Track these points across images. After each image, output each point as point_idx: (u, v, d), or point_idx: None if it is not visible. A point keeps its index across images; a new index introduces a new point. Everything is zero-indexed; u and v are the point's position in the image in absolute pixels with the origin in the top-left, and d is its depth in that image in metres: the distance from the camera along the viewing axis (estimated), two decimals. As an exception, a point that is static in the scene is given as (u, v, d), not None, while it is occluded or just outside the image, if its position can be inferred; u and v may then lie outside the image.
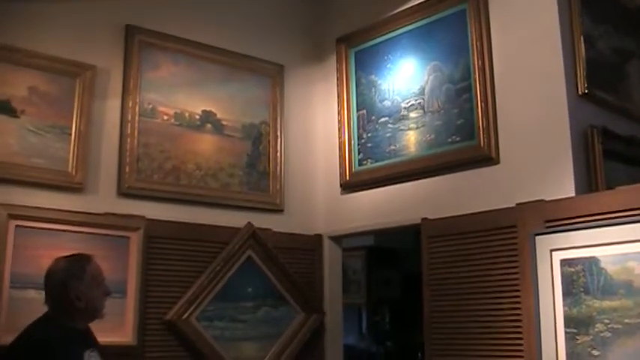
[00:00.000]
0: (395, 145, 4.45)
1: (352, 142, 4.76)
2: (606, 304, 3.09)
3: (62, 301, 2.86)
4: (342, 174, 4.79)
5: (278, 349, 4.50)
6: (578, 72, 3.72)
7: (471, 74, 4.03)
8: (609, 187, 3.53)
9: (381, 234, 5.75)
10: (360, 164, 4.69)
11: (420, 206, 4.22)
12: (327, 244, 4.93)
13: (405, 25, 4.50)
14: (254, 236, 4.50)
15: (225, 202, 4.51)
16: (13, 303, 3.47)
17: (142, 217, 4.06)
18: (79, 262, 2.97)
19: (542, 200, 3.51)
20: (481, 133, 3.92)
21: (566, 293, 3.24)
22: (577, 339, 3.16)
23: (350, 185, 4.75)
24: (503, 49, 3.94)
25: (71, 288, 2.85)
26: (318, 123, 5.13)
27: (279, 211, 4.79)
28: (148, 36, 4.33)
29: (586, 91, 3.70)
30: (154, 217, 4.11)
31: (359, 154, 4.70)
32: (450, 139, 4.12)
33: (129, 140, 4.15)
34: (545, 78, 3.72)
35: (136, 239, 4.00)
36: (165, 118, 4.34)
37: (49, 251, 3.08)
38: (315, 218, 4.97)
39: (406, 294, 8.01)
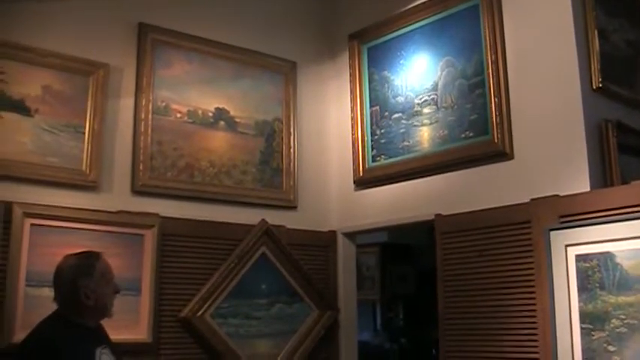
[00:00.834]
0: (408, 141, 4.44)
1: (365, 138, 4.75)
2: (622, 299, 3.07)
3: (71, 298, 2.84)
4: (355, 170, 4.79)
5: (292, 346, 4.51)
6: (593, 66, 3.70)
7: (484, 69, 4.01)
8: (624, 182, 3.50)
9: (394, 230, 5.74)
10: (373, 160, 4.68)
11: (434, 202, 4.21)
12: (341, 240, 4.93)
13: (418, 21, 4.49)
14: (268, 233, 4.51)
15: (238, 199, 4.51)
16: (28, 301, 3.49)
17: (156, 215, 4.07)
18: (88, 260, 2.95)
19: (556, 195, 3.49)
20: (495, 128, 3.91)
21: (582, 289, 3.22)
22: (593, 335, 3.15)
23: (363, 181, 4.74)
24: (517, 43, 3.92)
25: (80, 286, 2.83)
26: (331, 119, 5.13)
27: (293, 207, 4.79)
28: (160, 34, 4.34)
29: (600, 85, 3.68)
30: (167, 215, 4.12)
31: (372, 150, 4.70)
32: (463, 135, 4.11)
33: (142, 138, 4.16)
34: (559, 72, 3.70)
35: (150, 237, 4.01)
36: (179, 115, 4.35)
37: (64, 249, 3.09)
38: (328, 215, 4.97)
39: (420, 290, 8.02)
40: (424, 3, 4.45)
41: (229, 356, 4.22)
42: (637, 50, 4.17)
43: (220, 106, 4.54)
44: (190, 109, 4.40)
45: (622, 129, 3.67)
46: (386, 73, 4.69)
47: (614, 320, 3.08)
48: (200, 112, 4.45)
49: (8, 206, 3.57)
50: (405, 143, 4.46)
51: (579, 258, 3.25)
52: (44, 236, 3.64)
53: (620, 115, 3.75)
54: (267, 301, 4.48)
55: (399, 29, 4.61)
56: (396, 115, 4.56)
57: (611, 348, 3.07)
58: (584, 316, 3.19)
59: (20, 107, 3.74)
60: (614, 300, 3.10)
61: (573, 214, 3.37)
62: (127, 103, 4.17)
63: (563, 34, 3.70)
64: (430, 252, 4.27)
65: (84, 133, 3.93)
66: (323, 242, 4.88)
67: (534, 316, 3.49)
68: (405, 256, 8.35)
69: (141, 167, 4.13)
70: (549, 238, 3.38)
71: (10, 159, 3.66)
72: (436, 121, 4.28)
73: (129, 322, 3.78)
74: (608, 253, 3.15)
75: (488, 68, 3.99)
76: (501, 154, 3.87)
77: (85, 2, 4.10)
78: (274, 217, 4.60)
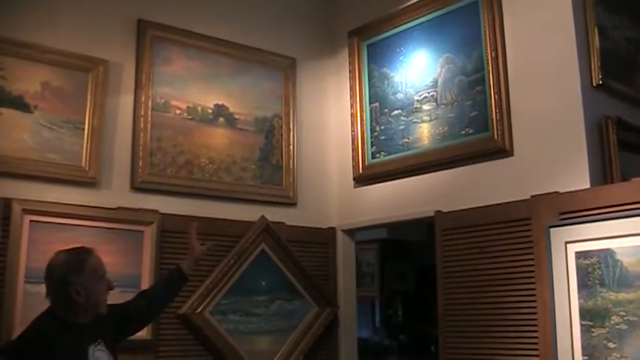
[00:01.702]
0: (408, 138, 4.44)
1: (365, 135, 4.75)
2: (622, 296, 3.07)
3: (62, 296, 2.77)
4: (355, 167, 4.79)
5: (292, 343, 4.51)
6: (593, 63, 3.70)
7: (484, 66, 4.01)
8: (624, 179, 3.50)
9: (394, 227, 5.75)
10: (373, 157, 4.68)
11: (434, 199, 4.21)
12: (340, 237, 4.93)
13: (417, 18, 4.48)
14: (267, 230, 4.51)
15: (238, 195, 4.51)
16: (27, 298, 3.50)
17: (156, 212, 4.07)
18: (78, 256, 2.86)
19: (556, 192, 3.49)
20: (495, 125, 3.90)
21: (582, 285, 3.22)
22: (593, 331, 3.15)
23: (363, 178, 4.74)
24: (517, 40, 3.92)
25: (70, 283, 2.75)
26: (330, 116, 5.12)
27: (293, 204, 4.79)
28: (160, 30, 4.34)
29: (600, 81, 3.67)
30: (167, 212, 4.12)
31: (372, 147, 4.69)
32: (463, 132, 4.10)
33: (142, 135, 4.16)
34: (559, 69, 3.69)
35: (149, 233, 4.01)
36: (178, 112, 4.35)
37: (63, 246, 3.06)
38: (328, 211, 4.97)
39: (420, 287, 8.03)
40: (424, 0, 4.44)
41: (229, 353, 4.22)
42: (637, 47, 4.16)
43: (220, 102, 4.54)
44: (190, 105, 4.40)
45: (622, 126, 3.67)
46: (386, 69, 4.68)
47: (614, 317, 3.08)
48: (200, 108, 4.44)
49: (7, 203, 3.57)
50: (405, 140, 4.46)
51: (579, 255, 3.25)
52: (43, 233, 3.64)
53: (621, 111, 3.75)
54: (267, 297, 4.48)
55: (399, 26, 4.61)
56: (396, 112, 4.55)
57: (611, 345, 3.07)
58: (584, 313, 3.19)
59: (19, 103, 3.74)
60: (614, 297, 3.10)
61: (573, 210, 3.37)
62: (126, 100, 4.17)
63: (564, 30, 3.69)
64: (430, 249, 4.27)
65: (83, 130, 3.93)
66: (322, 239, 4.88)
67: (534, 313, 3.49)
68: (405, 252, 8.36)
69: (140, 164, 4.12)
70: (549, 235, 3.38)
71: (10, 155, 3.66)
72: (436, 118, 4.28)
73: (128, 319, 3.78)
74: (608, 250, 3.15)
75: (488, 65, 3.98)
76: (501, 150, 3.87)
77: (85, -2, 4.12)
78: (274, 214, 4.59)
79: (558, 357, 3.24)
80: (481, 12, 4.07)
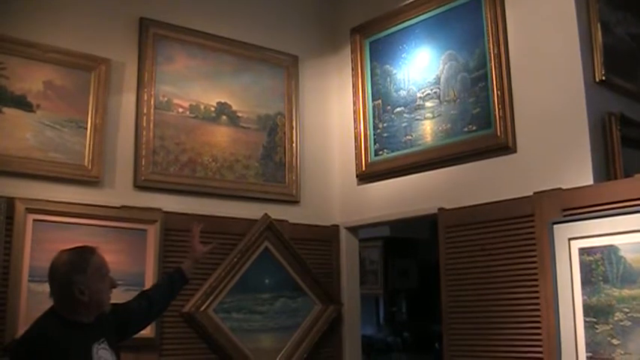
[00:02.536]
0: (411, 135, 4.44)
1: (368, 132, 4.75)
2: (626, 292, 3.07)
3: (65, 295, 2.77)
4: (358, 164, 4.78)
5: (296, 341, 4.51)
6: (596, 59, 3.69)
7: (487, 63, 4.01)
8: (627, 175, 3.49)
9: (397, 224, 5.73)
10: (376, 154, 4.68)
11: (437, 196, 4.20)
12: (343, 234, 4.93)
13: (420, 15, 4.48)
14: (270, 228, 4.51)
15: (241, 193, 4.52)
16: (31, 297, 3.51)
17: (159, 210, 4.07)
18: (81, 255, 2.85)
19: (559, 189, 3.48)
20: (497, 121, 3.90)
21: (585, 282, 3.22)
22: (596, 328, 3.14)
23: (366, 176, 4.74)
24: (519, 36, 3.91)
25: (74, 282, 2.74)
26: (333, 113, 5.12)
27: (296, 202, 4.79)
28: (162, 28, 4.34)
29: (603, 77, 3.66)
30: (170, 210, 4.13)
31: (375, 144, 4.69)
32: (466, 129, 4.10)
33: (144, 133, 4.16)
34: (562, 65, 3.68)
35: (153, 232, 4.01)
36: (181, 110, 4.35)
37: (66, 245, 3.06)
38: (331, 209, 4.97)
39: (423, 284, 8.03)
40: (426, -4, 4.45)
41: (233, 351, 4.22)
42: (640, 43, 4.16)
43: (222, 100, 4.54)
44: (192, 103, 4.40)
45: (625, 122, 3.66)
46: (388, 66, 4.68)
47: (617, 313, 3.07)
48: (202, 106, 4.44)
49: (11, 202, 3.57)
50: (408, 137, 4.45)
51: (583, 251, 3.25)
52: (47, 232, 3.65)
53: (624, 107, 3.74)
54: (271, 295, 4.48)
55: (401, 23, 4.60)
56: (399, 109, 4.55)
57: (615, 341, 3.07)
58: (587, 310, 3.19)
59: (22, 103, 3.74)
60: (617, 293, 3.09)
61: (576, 207, 3.37)
62: (128, 98, 4.17)
63: (566, 26, 3.69)
64: (433, 246, 4.27)
65: (86, 129, 3.93)
66: (326, 236, 4.87)
67: (538, 310, 3.49)
68: (408, 250, 8.35)
69: (143, 162, 4.13)
70: (552, 231, 3.37)
71: (12, 155, 3.66)
72: (439, 115, 4.28)
73: (132, 317, 3.78)
74: (611, 246, 3.15)
75: (490, 61, 3.98)
76: (504, 147, 3.86)
77: (86, -3, 4.12)
78: (277, 212, 4.60)
79: (562, 354, 3.24)
80: (483, 8, 4.06)
